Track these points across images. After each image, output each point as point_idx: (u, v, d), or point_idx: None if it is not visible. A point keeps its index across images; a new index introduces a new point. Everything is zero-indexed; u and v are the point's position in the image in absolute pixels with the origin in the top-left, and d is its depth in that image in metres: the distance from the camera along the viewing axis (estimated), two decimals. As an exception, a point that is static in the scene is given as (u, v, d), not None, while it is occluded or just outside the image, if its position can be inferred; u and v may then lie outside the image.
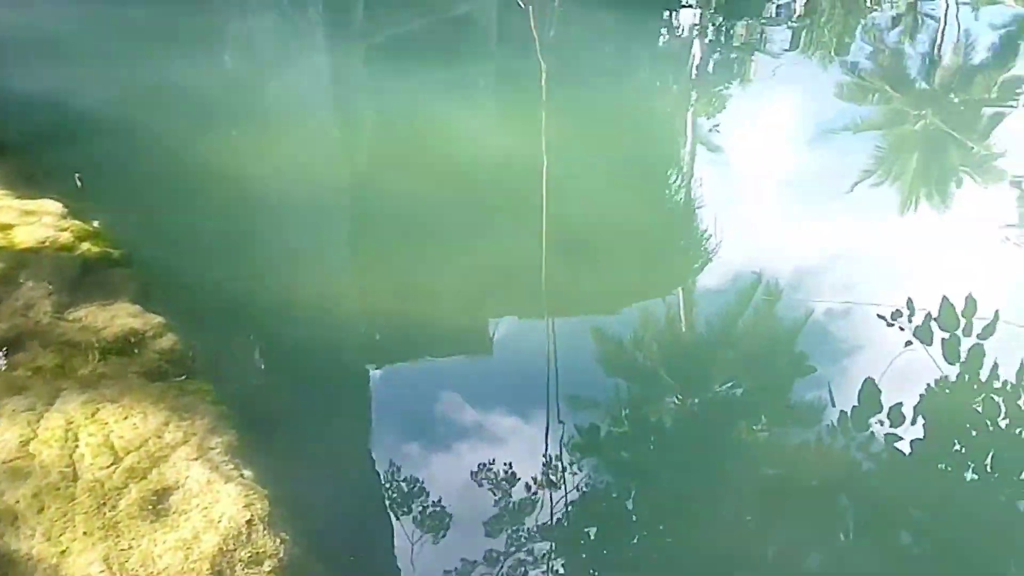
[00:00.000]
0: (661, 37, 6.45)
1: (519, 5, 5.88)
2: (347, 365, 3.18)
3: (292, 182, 4.08)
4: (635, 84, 5.60)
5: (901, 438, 2.72)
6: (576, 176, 4.31)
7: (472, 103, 5.11)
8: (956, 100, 5.37)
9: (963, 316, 3.23)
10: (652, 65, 5.94)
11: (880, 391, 2.88)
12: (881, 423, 2.78)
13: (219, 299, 3.25)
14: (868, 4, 6.65)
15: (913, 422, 2.78)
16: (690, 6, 6.92)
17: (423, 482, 2.64)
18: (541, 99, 4.96)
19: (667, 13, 6.78)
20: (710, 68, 5.98)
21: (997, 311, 3.24)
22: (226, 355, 2.97)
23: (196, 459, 2.25)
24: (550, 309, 3.48)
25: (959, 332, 3.18)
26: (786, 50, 6.07)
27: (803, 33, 6.39)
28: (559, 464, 2.66)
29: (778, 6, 6.97)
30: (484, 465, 2.65)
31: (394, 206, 3.97)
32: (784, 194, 4.44)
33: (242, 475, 2.22)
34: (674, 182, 4.68)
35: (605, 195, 4.15)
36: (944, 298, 3.29)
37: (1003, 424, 2.85)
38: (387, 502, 2.60)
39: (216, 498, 2.13)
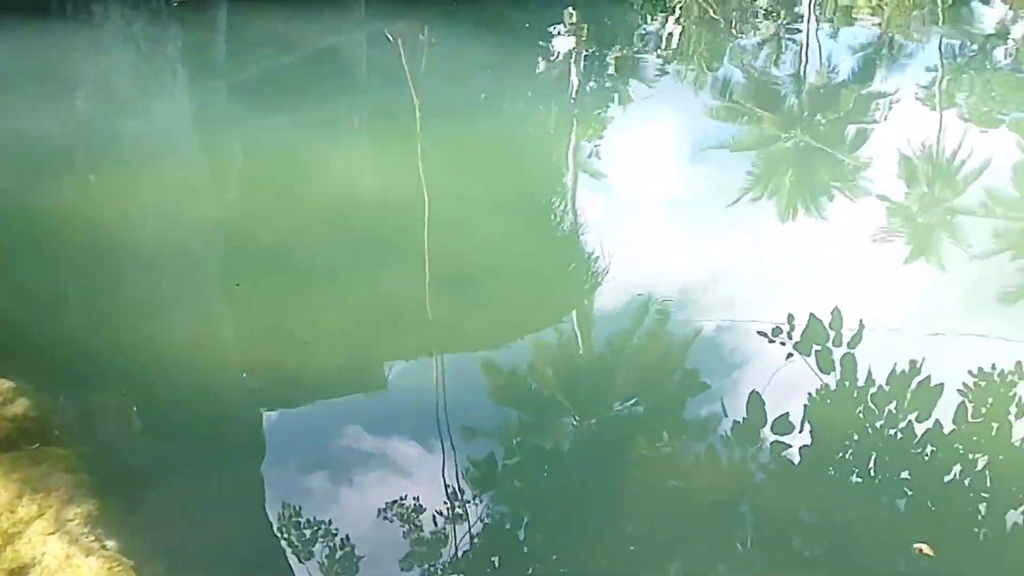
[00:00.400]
0: (537, 66, 6.52)
1: (387, 39, 5.85)
2: (230, 416, 3.03)
3: (157, 228, 3.91)
4: (512, 114, 5.63)
5: (789, 446, 2.78)
6: (457, 209, 4.28)
7: (345, 139, 5.05)
8: (823, 117, 5.60)
9: (832, 328, 3.36)
10: (529, 94, 5.99)
11: (766, 403, 2.94)
12: (770, 433, 2.83)
13: (81, 357, 3.08)
14: (734, 31, 6.90)
15: (800, 430, 2.85)
16: (562, 35, 7.04)
17: (320, 531, 2.52)
18: (416, 133, 4.92)
19: (541, 42, 6.87)
20: (588, 95, 6.07)
21: (862, 320, 3.37)
22: (89, 416, 2.80)
23: (53, 533, 2.12)
24: (442, 343, 3.44)
25: (829, 344, 3.30)
26: (659, 76, 6.21)
27: (674, 60, 6.56)
28: (460, 497, 2.61)
29: (649, 34, 7.16)
30: (385, 507, 2.57)
31: (270, 248, 3.85)
32: (667, 214, 4.53)
33: (104, 547, 2.10)
34: (558, 209, 4.70)
35: (488, 226, 4.14)
36: (812, 313, 3.40)
37: (878, 426, 2.95)
38: (281, 554, 2.46)
39: (75, 574, 2.01)
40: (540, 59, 6.59)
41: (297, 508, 2.59)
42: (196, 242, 3.94)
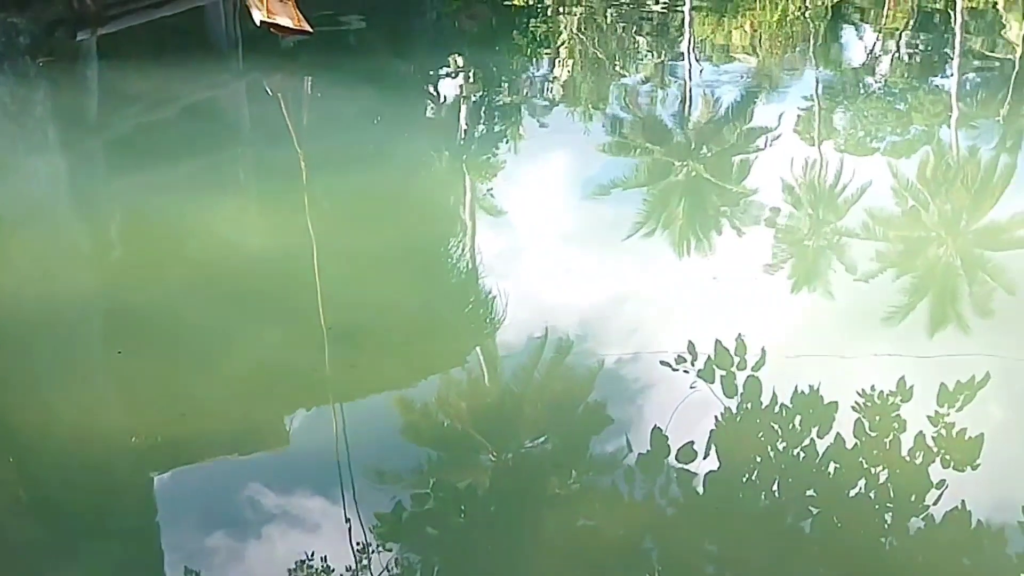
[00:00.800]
0: (425, 113, 6.55)
1: (267, 92, 5.78)
2: (119, 486, 2.89)
3: (34, 296, 3.72)
4: (402, 162, 5.62)
5: (696, 474, 2.81)
6: (350, 260, 4.25)
7: (228, 195, 4.95)
8: (709, 150, 5.77)
9: (736, 354, 3.41)
10: (418, 141, 5.99)
11: (672, 432, 2.96)
12: (676, 462, 2.85)
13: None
14: (619, 71, 7.09)
15: (706, 456, 2.87)
16: (449, 81, 7.09)
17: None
18: (302, 186, 4.85)
19: (428, 89, 6.91)
20: (478, 139, 6.12)
21: (762, 346, 3.45)
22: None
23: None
24: (342, 394, 3.36)
25: (733, 369, 3.35)
26: (549, 117, 6.32)
27: (563, 100, 6.69)
28: (370, 546, 2.57)
29: (536, 76, 7.28)
30: (290, 568, 2.49)
31: (154, 311, 3.71)
32: (565, 251, 4.57)
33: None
34: (454, 252, 4.69)
35: (383, 276, 4.11)
36: (718, 339, 3.46)
37: (782, 447, 2.99)
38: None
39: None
40: (428, 106, 6.63)
41: (201, 569, 2.47)
42: (75, 309, 3.78)
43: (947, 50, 7.43)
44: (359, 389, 3.44)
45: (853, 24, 8.34)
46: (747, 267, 4.34)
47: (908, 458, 2.96)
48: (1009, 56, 7.20)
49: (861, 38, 7.88)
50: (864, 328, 3.80)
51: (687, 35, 8.10)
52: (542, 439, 3.18)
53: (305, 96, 5.91)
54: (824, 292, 4.14)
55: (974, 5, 8.60)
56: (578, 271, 4.33)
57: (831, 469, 2.92)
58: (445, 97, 6.75)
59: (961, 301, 4.05)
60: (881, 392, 3.20)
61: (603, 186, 5.26)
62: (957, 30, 7.89)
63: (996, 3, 8.74)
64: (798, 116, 6.12)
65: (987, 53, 7.28)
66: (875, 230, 4.64)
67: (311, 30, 6.42)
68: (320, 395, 3.37)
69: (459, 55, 7.61)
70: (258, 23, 6.34)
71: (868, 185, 5.03)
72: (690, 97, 6.65)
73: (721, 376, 3.34)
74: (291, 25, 6.36)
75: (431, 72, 7.05)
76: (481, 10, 8.98)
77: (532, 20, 8.71)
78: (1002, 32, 7.87)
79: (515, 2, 9.25)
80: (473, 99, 6.64)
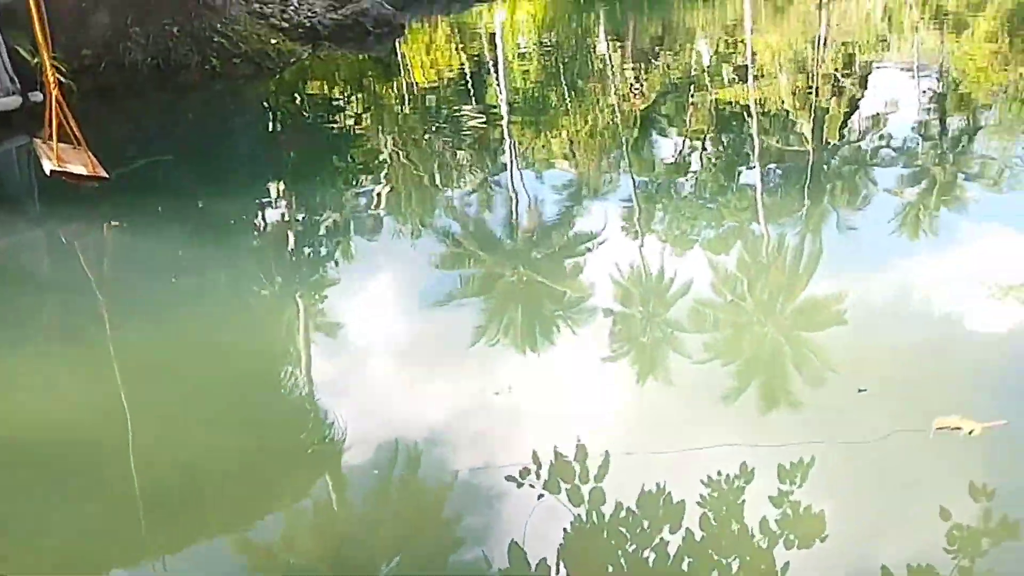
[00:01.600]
0: (245, 243, 6.40)
1: (64, 241, 5.50)
2: None
3: None
4: (223, 297, 5.50)
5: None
6: (170, 414, 4.04)
7: (23, 356, 4.60)
8: (540, 254, 5.94)
9: (576, 461, 3.47)
10: (240, 273, 5.85)
11: (527, 547, 2.92)
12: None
13: None
14: (442, 184, 7.25)
15: (557, 571, 2.84)
16: (269, 209, 7.00)
17: None
18: (108, 340, 4.62)
19: (246, 217, 6.77)
20: (306, 263, 6.03)
21: (607, 448, 3.55)
22: None
23: None
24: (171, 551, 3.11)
25: (576, 481, 3.40)
26: (376, 235, 6.34)
27: (389, 217, 6.73)
28: None
29: (359, 196, 7.32)
30: None
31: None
32: (407, 365, 4.55)
33: None
34: (289, 382, 4.54)
35: (211, 421, 3.95)
36: (557, 449, 3.50)
37: (632, 549, 3.01)
38: None
39: None
40: (248, 237, 6.48)
41: None
42: None
43: (747, 150, 8.05)
44: (191, 542, 3.23)
45: (661, 130, 8.93)
46: (586, 365, 4.46)
47: (756, 543, 3.04)
48: (803, 151, 7.88)
49: (670, 143, 8.43)
50: (702, 415, 3.96)
51: (507, 147, 8.42)
52: (397, 561, 3.08)
53: (108, 242, 5.67)
54: (662, 383, 4.29)
55: (768, 108, 9.42)
56: (421, 384, 4.32)
57: (684, 567, 2.95)
58: (266, 226, 6.63)
59: (788, 380, 4.29)
60: (725, 477, 3.30)
61: (439, 298, 5.31)
62: (755, 131, 8.60)
63: (786, 102, 9.63)
64: (620, 217, 6.43)
65: (783, 149, 7.94)
66: (703, 320, 4.89)
67: (107, 176, 6.19)
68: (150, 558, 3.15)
69: (279, 182, 7.56)
70: (48, 173, 6.07)
71: (692, 279, 5.31)
72: (516, 206, 6.85)
73: (566, 488, 3.37)
74: (85, 172, 6.11)
75: (249, 202, 6.93)
76: (297, 138, 9.04)
77: (351, 144, 8.82)
78: (794, 128, 8.63)
79: (333, 128, 9.38)
80: (297, 225, 6.57)
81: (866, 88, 10.54)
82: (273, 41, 11.31)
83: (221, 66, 10.26)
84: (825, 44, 13.66)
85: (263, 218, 6.78)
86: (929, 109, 9.38)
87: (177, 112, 9.61)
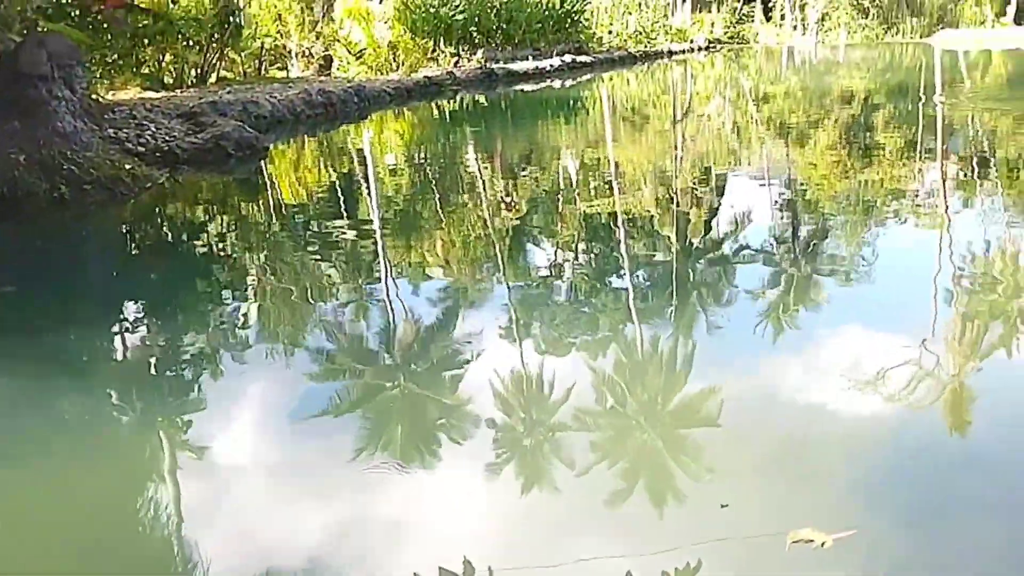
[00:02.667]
0: (103, 368, 6.13)
1: None
2: None
3: None
4: (80, 428, 5.20)
5: None
6: (14, 569, 3.75)
7: None
8: (419, 365, 5.93)
9: None
10: (96, 400, 5.57)
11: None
12: None
13: None
14: (311, 300, 7.20)
15: None
16: (128, 336, 6.75)
17: None
18: None
19: (104, 346, 6.50)
20: (170, 384, 5.80)
21: (490, 566, 3.51)
22: None
23: None
24: None
25: None
26: (246, 356, 6.18)
27: (260, 336, 6.60)
28: None
29: (224, 315, 7.17)
30: None
31: None
32: (278, 490, 4.38)
33: None
34: (151, 516, 4.30)
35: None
36: (443, 569, 3.45)
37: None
38: None
39: None
40: (105, 368, 6.17)
41: None
42: None
43: (616, 257, 8.37)
44: None
45: (533, 240, 9.19)
46: (470, 478, 4.43)
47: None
48: (668, 257, 8.25)
49: (542, 252, 8.67)
50: (589, 528, 3.97)
51: (381, 260, 8.47)
52: None
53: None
54: (547, 492, 4.29)
55: (633, 217, 9.87)
56: (296, 508, 4.18)
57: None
58: (125, 355, 6.36)
59: (671, 479, 4.37)
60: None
61: (313, 416, 5.19)
62: (622, 238, 8.98)
63: (651, 212, 10.12)
64: (497, 326, 6.51)
65: (650, 255, 8.29)
66: (586, 423, 4.95)
67: None
68: None
69: (137, 308, 7.31)
70: None
71: (571, 384, 5.41)
72: (392, 318, 6.85)
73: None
74: None
75: (105, 331, 6.66)
76: (156, 262, 8.83)
77: (216, 265, 8.68)
78: (658, 235, 9.06)
79: (196, 250, 9.22)
80: (158, 351, 6.33)
81: (722, 196, 11.24)
82: (128, 166, 11.17)
83: (71, 193, 10.03)
84: (682, 158, 14.55)
85: (121, 346, 6.50)
86: (781, 214, 10.06)
87: (22, 241, 9.21)
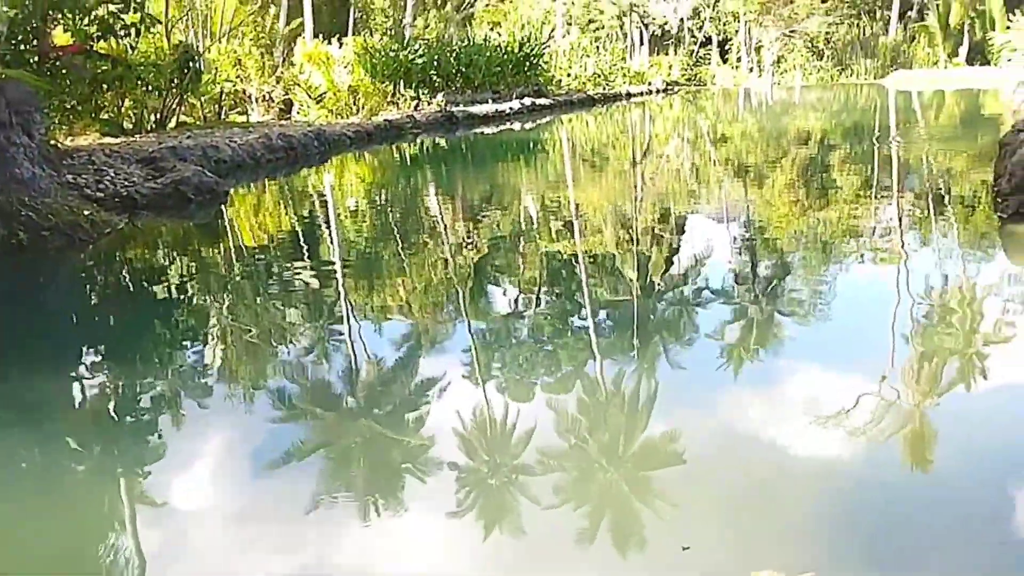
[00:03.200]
0: (59, 416, 6.04)
1: None
2: None
3: None
4: (35, 479, 5.12)
5: None
6: None
7: None
8: (381, 408, 5.92)
9: None
10: (53, 449, 5.48)
11: None
12: None
13: None
14: (273, 343, 7.19)
15: None
16: (84, 377, 6.67)
17: None
18: None
19: (58, 393, 6.40)
20: (129, 431, 5.74)
21: None
22: None
23: None
24: None
25: None
26: (210, 398, 6.14)
27: (219, 379, 6.57)
28: None
29: (187, 358, 7.12)
30: None
31: None
32: (239, 538, 4.35)
33: None
34: (107, 567, 4.23)
35: None
36: None
37: None
38: None
39: None
40: (61, 417, 6.07)
41: None
42: None
43: (578, 297, 8.45)
44: None
45: (495, 281, 9.25)
46: (435, 522, 4.43)
47: None
48: (629, 297, 8.34)
49: (504, 292, 8.73)
50: (552, 564, 3.98)
51: (343, 302, 8.47)
52: None
53: None
54: (510, 534, 4.30)
55: (594, 257, 9.98)
56: (257, 557, 4.14)
57: None
58: (83, 402, 6.25)
59: (636, 520, 4.40)
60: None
61: (275, 461, 5.16)
62: (584, 278, 9.07)
63: (612, 253, 10.24)
64: (460, 366, 6.54)
65: (612, 295, 8.38)
66: (549, 465, 4.97)
67: None
68: None
69: (95, 354, 7.22)
70: None
71: (535, 424, 5.44)
72: (354, 361, 6.84)
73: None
74: None
75: (62, 379, 6.56)
76: (115, 308, 8.75)
77: (176, 309, 8.62)
78: (620, 275, 9.16)
79: (155, 295, 9.15)
80: (117, 397, 6.25)
81: (682, 236, 11.41)
82: (86, 212, 11.11)
83: (29, 239, 9.95)
84: (642, 198, 14.75)
85: (78, 393, 6.40)
86: (740, 254, 10.23)
87: None
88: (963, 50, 53.40)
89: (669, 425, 5.39)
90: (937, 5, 53.28)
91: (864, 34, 54.90)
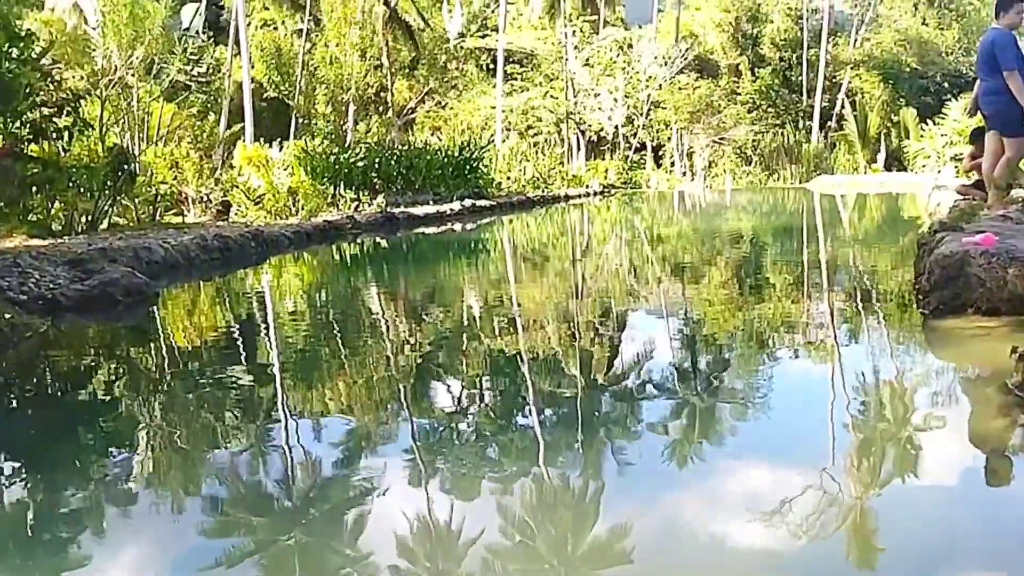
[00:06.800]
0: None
1: None
2: None
3: None
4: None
5: None
6: None
7: None
8: (318, 513, 5.70)
9: None
10: None
11: None
12: None
13: None
14: (204, 448, 6.97)
15: None
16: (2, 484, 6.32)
17: None
18: None
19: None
20: (46, 545, 5.40)
21: None
22: None
23: None
24: None
25: None
26: (133, 506, 5.86)
27: (146, 486, 6.29)
28: None
29: (112, 466, 6.83)
30: None
31: None
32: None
33: None
34: None
35: None
36: None
37: None
38: None
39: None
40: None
41: None
42: None
43: (522, 394, 8.39)
44: None
45: (438, 379, 9.15)
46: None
47: None
48: (574, 393, 8.30)
49: (447, 391, 8.64)
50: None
51: (280, 404, 8.27)
52: None
53: None
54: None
55: (537, 354, 9.96)
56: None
57: None
58: None
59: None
60: None
61: (206, 568, 4.89)
62: (527, 375, 9.02)
63: (555, 349, 10.22)
64: (402, 467, 6.36)
65: (556, 391, 8.34)
66: (495, 568, 4.81)
67: None
68: None
69: (9, 465, 6.84)
70: None
71: (481, 526, 5.28)
72: (291, 464, 6.62)
73: None
74: None
75: None
76: (31, 415, 8.37)
77: (101, 414, 8.27)
78: (563, 372, 9.13)
79: (78, 400, 8.80)
80: (33, 510, 5.89)
81: (623, 333, 11.47)
82: (7, 315, 10.71)
83: None
84: (582, 296, 14.88)
85: None
86: (680, 349, 10.31)
87: None
88: (881, 157, 56.22)
89: (616, 521, 5.29)
90: (855, 115, 56.27)
91: (788, 142, 57.58)
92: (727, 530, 5.12)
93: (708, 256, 20.46)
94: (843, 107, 56.91)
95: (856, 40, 58.98)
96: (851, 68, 57.78)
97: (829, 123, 58.27)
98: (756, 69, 57.08)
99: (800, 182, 56.45)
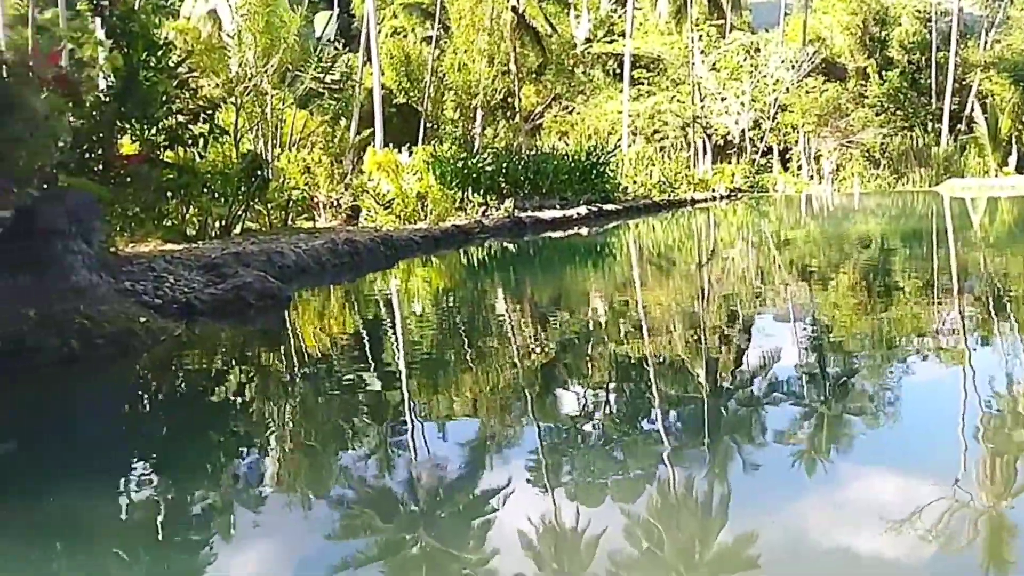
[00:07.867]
0: (108, 530, 5.80)
1: None
2: None
3: None
4: None
5: None
6: None
7: None
8: (443, 514, 5.72)
9: None
10: (100, 565, 5.24)
11: None
12: None
13: None
14: (334, 450, 7.08)
15: None
16: (139, 483, 6.53)
17: None
18: None
19: (107, 505, 6.13)
20: (180, 545, 5.54)
21: None
22: None
23: None
24: None
25: None
26: (263, 506, 5.98)
27: (277, 487, 6.39)
28: None
29: (244, 466, 7.00)
30: None
31: None
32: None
33: None
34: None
35: None
36: None
37: None
38: None
39: None
40: (111, 530, 5.80)
41: None
42: None
43: (647, 398, 8.25)
44: None
45: (562, 383, 9.09)
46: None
47: None
48: (699, 397, 8.11)
49: (572, 395, 8.57)
50: None
51: (407, 407, 8.37)
52: None
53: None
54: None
55: (662, 359, 9.77)
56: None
57: None
58: (133, 514, 5.97)
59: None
60: None
61: (332, 569, 4.97)
62: (652, 380, 8.85)
63: (681, 354, 10.01)
64: (526, 471, 6.33)
65: (681, 396, 8.15)
66: (622, 574, 4.72)
67: None
68: None
69: (147, 464, 6.92)
70: None
71: (605, 530, 5.20)
72: (416, 467, 6.66)
73: None
74: None
75: (112, 489, 6.28)
76: (169, 416, 8.60)
77: (233, 416, 8.41)
78: (689, 376, 8.93)
79: (212, 402, 9.11)
80: (168, 510, 5.87)
81: (750, 337, 11.14)
82: (143, 319, 10.73)
83: (81, 348, 9.59)
84: (708, 300, 14.55)
85: (126, 507, 6.08)
86: (807, 354, 9.93)
87: (26, 397, 8.81)
88: (1012, 159, 52.84)
89: (743, 529, 5.12)
90: (986, 118, 53.15)
91: (917, 145, 54.89)
92: (856, 539, 4.91)
93: (836, 260, 19.69)
94: (973, 110, 53.99)
95: (986, 42, 55.96)
96: (981, 70, 54.89)
97: (959, 126, 55.41)
98: (884, 72, 54.68)
99: (929, 185, 52.93)
